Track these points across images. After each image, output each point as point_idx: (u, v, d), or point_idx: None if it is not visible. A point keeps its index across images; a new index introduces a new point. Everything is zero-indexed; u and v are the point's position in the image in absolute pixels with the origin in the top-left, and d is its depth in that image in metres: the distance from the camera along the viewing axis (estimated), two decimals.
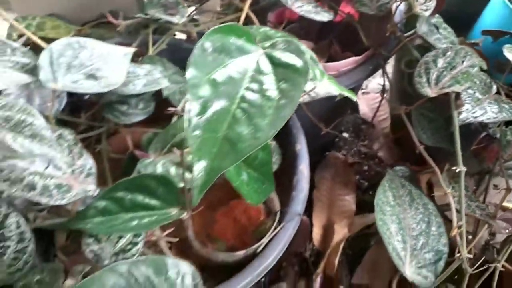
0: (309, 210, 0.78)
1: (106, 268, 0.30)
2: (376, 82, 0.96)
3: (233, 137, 0.30)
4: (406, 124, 0.59)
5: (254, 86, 0.31)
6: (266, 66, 0.32)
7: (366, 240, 0.79)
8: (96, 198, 0.42)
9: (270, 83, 0.31)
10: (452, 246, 0.58)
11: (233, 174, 0.40)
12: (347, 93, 0.43)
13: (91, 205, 0.41)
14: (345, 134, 0.89)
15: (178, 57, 0.60)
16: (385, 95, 0.67)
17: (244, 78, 0.32)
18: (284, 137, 0.53)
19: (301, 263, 0.76)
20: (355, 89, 0.73)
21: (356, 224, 0.78)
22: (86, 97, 0.56)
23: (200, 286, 0.33)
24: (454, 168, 0.54)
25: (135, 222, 0.39)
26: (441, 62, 0.56)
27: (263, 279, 0.75)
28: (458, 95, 0.55)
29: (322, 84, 0.42)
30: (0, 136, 0.35)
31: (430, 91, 0.56)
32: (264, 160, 0.43)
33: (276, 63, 0.32)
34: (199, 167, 0.29)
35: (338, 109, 0.72)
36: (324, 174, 0.82)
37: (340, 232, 0.76)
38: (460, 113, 0.55)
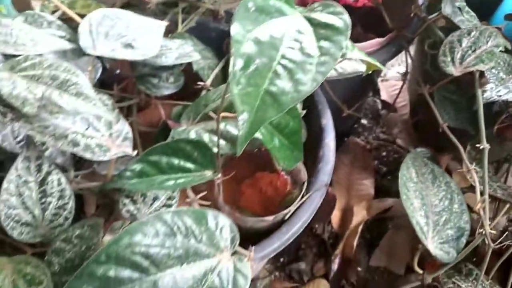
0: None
1: (153, 215, 0.31)
2: (395, 70, 0.96)
3: (275, 91, 0.31)
4: (429, 102, 0.60)
5: (294, 44, 0.33)
6: (305, 27, 0.33)
7: (384, 224, 0.80)
8: (132, 162, 0.43)
9: (310, 42, 0.33)
10: (472, 228, 0.59)
11: (267, 138, 0.41)
12: (376, 63, 0.44)
13: (127, 168, 0.43)
14: (364, 121, 0.89)
15: (205, 36, 0.62)
16: (407, 77, 0.68)
17: (284, 37, 0.33)
18: (310, 113, 0.54)
19: (319, 245, 0.77)
20: (378, 71, 0.74)
21: (374, 207, 0.79)
22: (117, 72, 0.58)
23: (237, 238, 0.35)
24: (477, 145, 0.54)
25: (171, 182, 0.41)
26: (465, 42, 0.57)
27: (282, 259, 0.77)
28: (482, 73, 0.56)
29: (353, 54, 0.43)
30: (47, 93, 0.36)
31: (455, 70, 0.56)
32: (294, 129, 0.44)
33: (315, 24, 0.33)
34: (243, 118, 0.30)
35: (360, 91, 0.73)
36: (343, 159, 0.83)
37: (359, 214, 0.77)
38: (484, 91, 0.56)
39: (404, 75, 0.69)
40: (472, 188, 0.69)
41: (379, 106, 0.89)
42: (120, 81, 0.59)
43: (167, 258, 0.31)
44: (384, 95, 0.89)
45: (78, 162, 0.50)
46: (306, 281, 0.72)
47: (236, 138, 0.45)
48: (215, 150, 0.43)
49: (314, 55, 0.32)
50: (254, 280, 0.72)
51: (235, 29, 0.31)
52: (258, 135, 0.46)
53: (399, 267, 0.75)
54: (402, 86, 0.70)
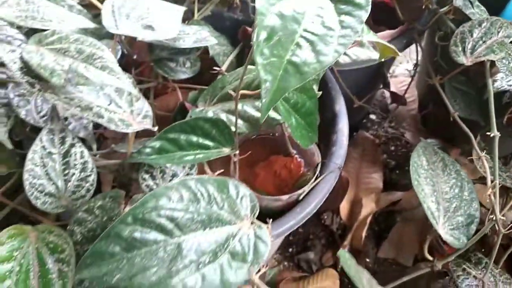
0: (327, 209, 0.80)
1: (177, 181, 0.32)
2: (403, 67, 0.97)
3: (297, 61, 0.32)
4: (440, 92, 0.61)
5: (316, 19, 0.33)
6: (326, 3, 0.34)
7: (392, 217, 0.80)
8: (151, 140, 0.44)
9: (331, 17, 0.34)
10: (481, 221, 0.60)
11: (285, 115, 0.42)
12: (391, 46, 0.45)
13: (146, 145, 0.44)
14: (373, 116, 0.90)
15: (220, 25, 0.63)
16: (417, 69, 0.69)
17: (306, 12, 0.34)
18: (324, 99, 0.55)
19: (328, 236, 0.78)
20: (388, 63, 0.75)
21: (383, 200, 0.79)
22: (134, 57, 0.59)
23: (257, 208, 0.35)
24: (488, 133, 0.55)
25: (191, 157, 0.42)
26: (476, 33, 0.58)
27: (290, 249, 0.77)
28: (493, 63, 0.57)
29: (368, 36, 0.44)
30: (74, 65, 0.37)
31: (466, 60, 0.57)
32: (310, 110, 0.45)
33: (335, 0, 0.34)
34: (266, 87, 0.31)
35: (370, 84, 0.74)
36: (353, 152, 0.84)
37: (368, 206, 0.77)
38: (494, 81, 0.56)
39: (415, 66, 0.70)
40: (480, 180, 0.70)
41: (388, 100, 0.90)
42: (137, 66, 0.60)
43: (191, 222, 0.32)
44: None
45: (97, 141, 0.51)
46: (314, 270, 0.73)
47: (253, 118, 0.46)
48: (232, 129, 0.44)
49: (335, 28, 0.33)
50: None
51: (260, 3, 0.32)
52: (276, 115, 0.47)
53: (407, 259, 0.75)
54: (412, 77, 0.71)
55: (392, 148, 0.87)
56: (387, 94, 0.90)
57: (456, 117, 0.59)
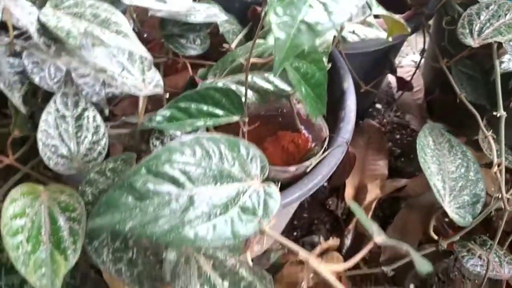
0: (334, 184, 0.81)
1: (191, 138, 0.33)
2: (409, 58, 0.98)
3: (309, 21, 0.33)
4: (447, 75, 0.61)
5: None
6: None
7: (396, 204, 0.80)
8: (161, 109, 0.45)
9: None
10: (486, 203, 0.60)
11: (296, 83, 0.43)
12: (400, 20, 0.45)
13: (157, 114, 0.45)
14: (378, 105, 0.91)
15: (229, 6, 0.64)
16: (424, 54, 0.69)
17: None
18: (332, 77, 0.56)
19: (332, 221, 0.78)
20: (396, 48, 0.75)
21: (387, 186, 0.80)
22: (145, 35, 0.60)
23: (267, 168, 0.36)
24: (494, 113, 0.56)
25: (201, 123, 0.42)
26: (484, 15, 0.58)
27: (295, 233, 0.78)
28: (500, 45, 0.57)
29: (378, 10, 0.45)
30: (90, 29, 0.38)
31: (473, 42, 0.58)
32: (319, 81, 0.46)
33: None
34: (279, 44, 0.32)
35: (377, 69, 0.75)
36: (358, 140, 0.84)
37: (373, 192, 0.78)
38: (501, 62, 0.57)
39: (422, 52, 0.70)
40: (486, 166, 0.70)
41: (394, 90, 0.90)
42: (147, 44, 0.61)
43: (203, 176, 0.33)
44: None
45: (107, 120, 0.52)
46: (319, 253, 0.73)
47: (263, 89, 0.47)
48: (242, 99, 0.45)
49: None
50: (267, 252, 0.73)
51: None
52: (285, 86, 0.47)
53: (412, 244, 0.76)
54: (420, 62, 0.71)
55: (398, 136, 0.87)
56: (393, 83, 0.91)
57: (463, 98, 0.60)
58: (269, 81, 0.47)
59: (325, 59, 0.48)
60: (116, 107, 0.59)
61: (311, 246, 0.74)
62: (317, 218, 0.79)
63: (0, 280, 0.39)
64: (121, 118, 0.51)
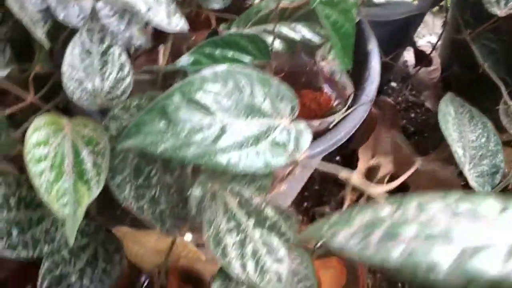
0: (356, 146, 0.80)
1: (223, 69, 0.32)
2: (426, 40, 0.97)
3: None
4: (471, 45, 0.61)
5: None
6: None
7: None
8: (185, 55, 0.44)
9: None
10: (505, 176, 0.59)
11: (327, 28, 0.42)
12: None
13: (181, 59, 0.44)
14: (394, 83, 0.90)
15: None
16: (446, 26, 0.68)
17: None
18: (357, 39, 0.55)
19: (343, 193, 0.78)
20: (415, 22, 0.74)
21: (399, 163, 0.79)
22: None
23: (297, 108, 0.35)
24: None
25: None
26: None
27: (305, 204, 0.77)
28: None
29: None
30: None
31: (499, 11, 0.57)
32: (348, 32, 0.45)
33: None
34: None
35: (397, 42, 0.74)
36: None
37: (386, 167, 0.77)
38: None
39: (444, 24, 0.69)
40: (505, 144, 0.69)
41: (411, 69, 0.89)
42: None
43: (234, 108, 0.32)
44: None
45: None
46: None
47: (289, 39, 0.46)
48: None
49: None
50: None
51: None
52: (312, 35, 0.47)
53: None
54: (441, 34, 0.70)
55: (412, 115, 0.87)
56: (409, 61, 0.90)
57: (485, 68, 0.59)
58: (296, 31, 0.46)
59: (354, 11, 0.47)
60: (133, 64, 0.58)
61: (321, 217, 0.73)
62: (329, 191, 0.78)
63: (19, 213, 0.38)
64: (142, 68, 0.51)
